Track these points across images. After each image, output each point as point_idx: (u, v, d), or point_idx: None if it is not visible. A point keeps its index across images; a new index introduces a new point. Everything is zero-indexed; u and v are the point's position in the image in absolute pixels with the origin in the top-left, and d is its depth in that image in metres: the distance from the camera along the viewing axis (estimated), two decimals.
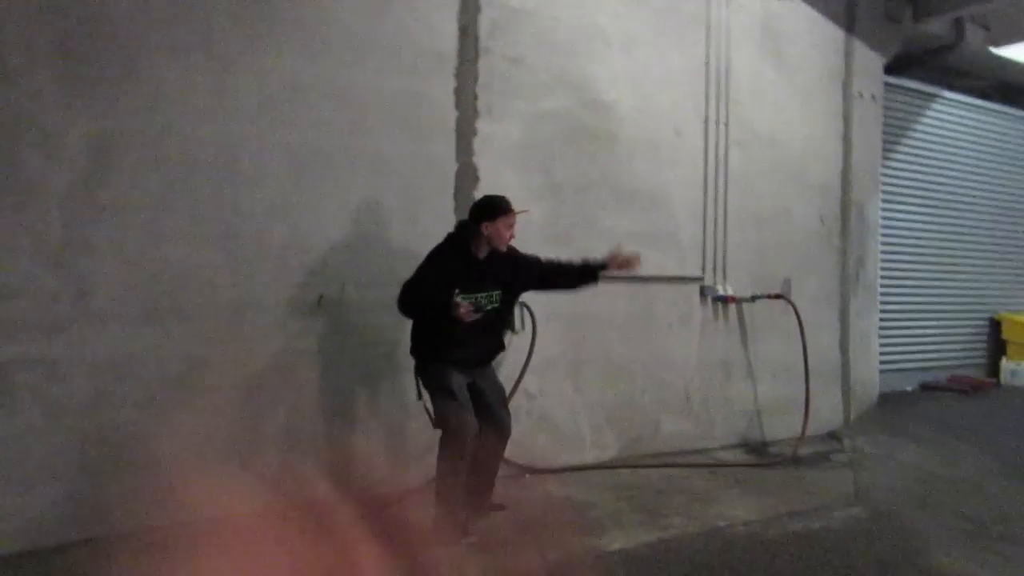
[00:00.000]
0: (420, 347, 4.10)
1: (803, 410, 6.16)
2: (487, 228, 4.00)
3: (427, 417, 4.11)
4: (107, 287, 3.93)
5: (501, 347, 4.33)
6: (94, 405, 3.90)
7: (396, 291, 4.02)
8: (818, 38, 6.81)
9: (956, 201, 8.89)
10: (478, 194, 4.69)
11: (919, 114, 8.52)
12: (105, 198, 3.91)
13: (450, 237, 4.15)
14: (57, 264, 3.81)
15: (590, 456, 5.51)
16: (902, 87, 8.20)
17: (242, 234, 4.29)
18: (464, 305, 3.78)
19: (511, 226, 4.03)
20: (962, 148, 8.93)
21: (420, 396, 4.17)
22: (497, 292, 4.10)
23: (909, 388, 8.44)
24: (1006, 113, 9.46)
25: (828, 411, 6.84)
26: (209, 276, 4.19)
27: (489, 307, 4.06)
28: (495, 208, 4.03)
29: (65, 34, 3.82)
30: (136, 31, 3.99)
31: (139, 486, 3.94)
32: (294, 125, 4.42)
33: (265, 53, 4.34)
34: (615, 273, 4.34)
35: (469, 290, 3.93)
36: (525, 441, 4.88)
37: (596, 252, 4.37)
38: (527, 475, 5.09)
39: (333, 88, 4.54)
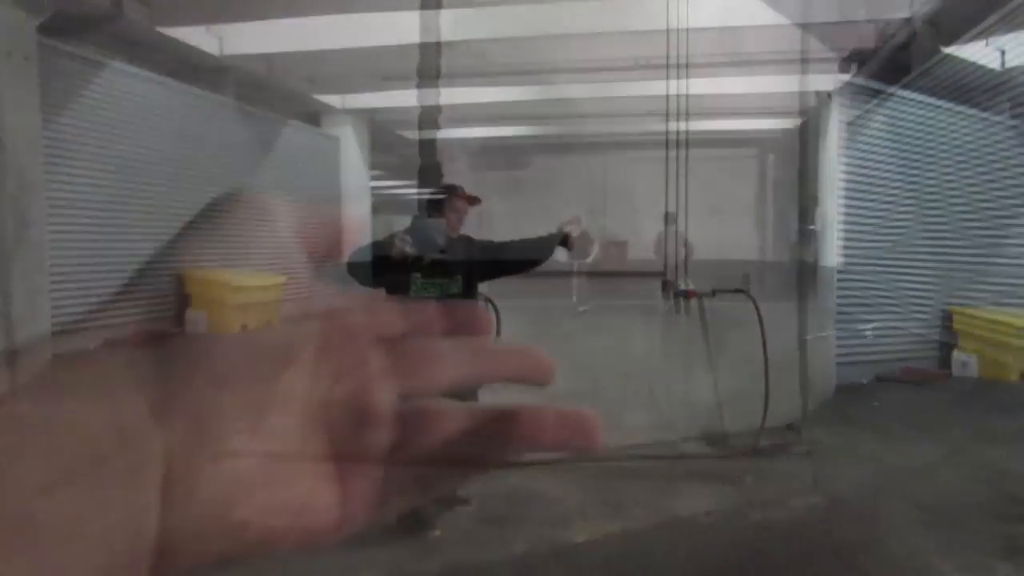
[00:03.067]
0: None
1: (762, 402, 6.23)
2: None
3: None
4: (63, 284, 3.83)
5: None
6: None
7: None
8: None
9: (929, 196, 9.03)
10: None
11: None
12: (60, 196, 3.81)
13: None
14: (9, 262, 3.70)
15: None
16: None
17: None
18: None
19: (457, 211, 4.05)
20: None
21: None
22: (458, 278, 4.12)
23: (864, 380, 8.58)
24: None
25: (786, 403, 6.93)
26: None
27: (450, 293, 4.08)
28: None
29: None
30: None
31: None
32: None
33: None
34: (569, 247, 4.36)
35: (428, 276, 3.94)
36: None
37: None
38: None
39: None
